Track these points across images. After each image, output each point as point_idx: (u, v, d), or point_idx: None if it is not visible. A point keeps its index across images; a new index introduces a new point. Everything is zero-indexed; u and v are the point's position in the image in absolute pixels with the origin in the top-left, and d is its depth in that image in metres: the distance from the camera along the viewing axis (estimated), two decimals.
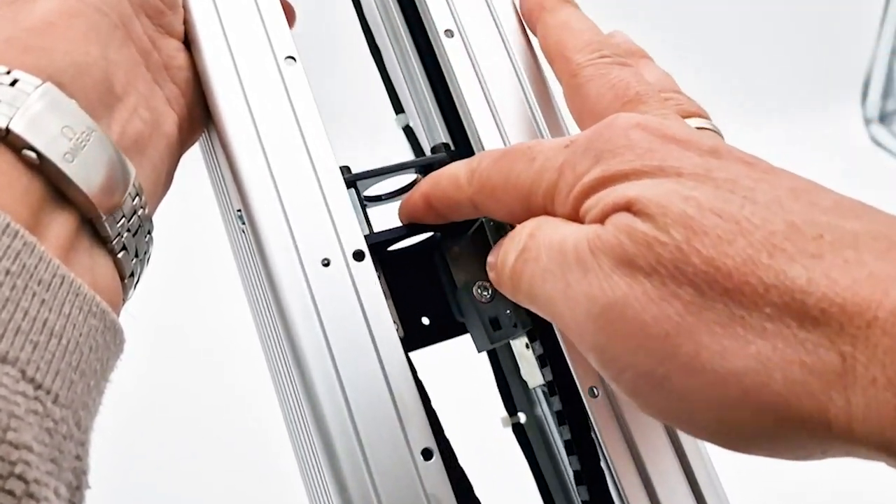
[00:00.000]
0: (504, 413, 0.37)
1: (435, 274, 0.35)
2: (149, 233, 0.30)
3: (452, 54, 0.37)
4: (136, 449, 0.91)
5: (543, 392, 0.36)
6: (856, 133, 1.47)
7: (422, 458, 0.29)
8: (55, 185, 0.26)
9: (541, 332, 0.33)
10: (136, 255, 0.30)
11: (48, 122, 0.26)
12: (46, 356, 0.23)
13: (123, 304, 0.30)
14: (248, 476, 0.90)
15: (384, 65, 0.41)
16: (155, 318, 0.95)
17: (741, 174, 0.25)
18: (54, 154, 0.26)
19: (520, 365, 0.36)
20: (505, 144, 0.35)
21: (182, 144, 0.34)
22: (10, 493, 0.20)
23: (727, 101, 1.40)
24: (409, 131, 0.40)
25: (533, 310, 0.28)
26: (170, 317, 0.99)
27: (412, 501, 0.29)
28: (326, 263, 0.31)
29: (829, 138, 1.43)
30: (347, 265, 0.31)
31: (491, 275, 0.31)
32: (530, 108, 0.37)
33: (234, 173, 0.32)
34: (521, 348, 0.35)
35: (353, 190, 0.33)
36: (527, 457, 0.37)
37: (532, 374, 0.35)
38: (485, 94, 0.36)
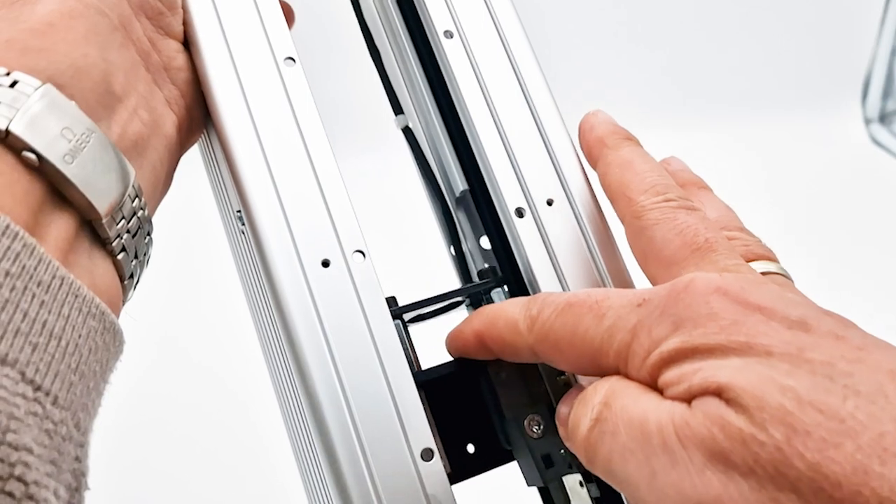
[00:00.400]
0: None
1: (480, 398, 0.33)
2: (148, 234, 0.30)
3: (452, 55, 0.36)
4: (135, 450, 0.91)
5: None
6: (856, 133, 1.47)
7: (422, 458, 0.29)
8: (55, 187, 0.26)
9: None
10: (136, 257, 0.30)
11: (48, 123, 0.26)
12: (46, 358, 0.23)
13: (123, 306, 0.30)
14: (247, 478, 0.90)
15: (383, 65, 0.41)
16: (154, 319, 0.95)
17: (836, 354, 0.23)
18: (54, 155, 0.26)
19: (571, 499, 0.34)
20: (504, 144, 0.35)
21: (181, 145, 0.34)
22: (10, 494, 0.20)
23: (727, 101, 1.40)
24: (408, 132, 0.40)
25: (609, 483, 0.26)
26: (169, 318, 0.99)
27: (413, 502, 0.29)
28: (326, 264, 0.31)
29: (829, 138, 1.43)
30: (347, 265, 0.31)
31: (561, 431, 0.30)
32: (530, 108, 0.37)
33: (233, 174, 0.32)
34: (575, 484, 0.33)
35: (398, 322, 0.32)
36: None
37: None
38: (484, 94, 0.36)
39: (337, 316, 0.30)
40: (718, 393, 0.23)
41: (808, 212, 1.27)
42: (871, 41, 1.50)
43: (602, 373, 0.27)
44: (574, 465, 0.31)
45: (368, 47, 0.41)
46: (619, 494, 0.32)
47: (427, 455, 0.29)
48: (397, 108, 0.40)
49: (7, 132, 0.25)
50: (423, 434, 0.29)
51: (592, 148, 0.35)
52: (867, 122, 1.49)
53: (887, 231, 1.26)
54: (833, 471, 0.21)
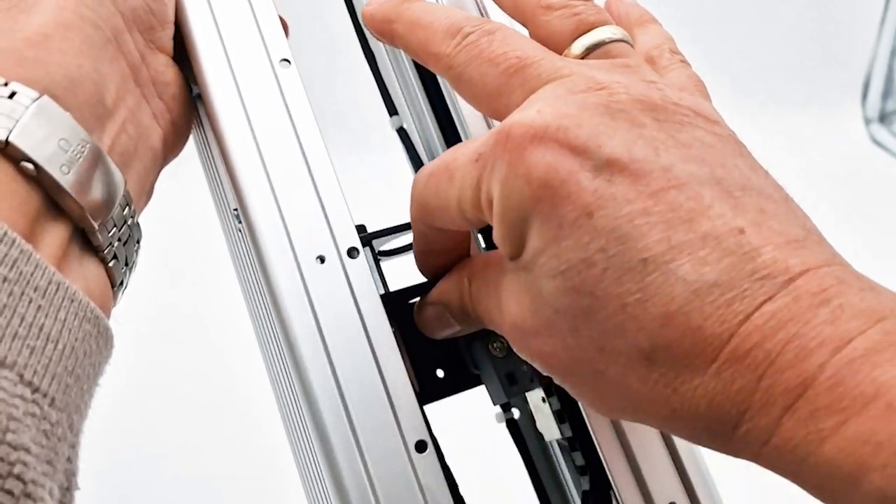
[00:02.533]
0: (498, 409, 0.38)
1: (454, 345, 0.35)
2: (137, 241, 0.31)
3: None
4: (130, 445, 0.91)
5: (560, 445, 0.36)
6: (856, 133, 1.47)
7: (416, 450, 0.30)
8: (51, 196, 0.27)
9: (558, 387, 0.33)
10: (126, 264, 0.30)
11: (45, 134, 0.26)
12: (43, 360, 0.23)
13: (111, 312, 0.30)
14: (244, 471, 0.91)
15: (378, 67, 0.41)
16: (156, 315, 0.96)
17: (622, 213, 0.24)
18: (51, 166, 0.26)
19: (535, 418, 0.36)
20: None
21: (165, 158, 0.35)
22: (9, 492, 0.21)
23: (727, 101, 1.40)
24: (402, 133, 0.41)
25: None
26: (167, 317, 0.99)
27: (407, 493, 0.29)
28: (321, 260, 0.31)
29: (829, 138, 1.43)
30: (342, 262, 0.32)
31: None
32: None
33: (230, 173, 0.32)
34: (538, 401, 0.35)
35: (368, 248, 0.33)
36: (521, 452, 0.37)
37: (548, 427, 0.35)
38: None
39: (332, 311, 0.31)
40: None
41: (808, 212, 1.27)
42: (871, 41, 1.50)
43: (472, 226, 0.29)
44: (536, 379, 0.33)
45: (363, 48, 0.41)
46: (578, 404, 0.33)
47: (421, 447, 0.30)
48: (392, 109, 0.41)
49: (6, 143, 0.26)
50: (416, 426, 0.30)
51: (383, 30, 0.33)
52: (867, 122, 1.49)
53: (887, 231, 1.26)
54: None
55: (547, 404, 0.34)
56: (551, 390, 0.34)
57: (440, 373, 0.34)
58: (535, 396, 0.35)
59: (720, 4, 1.45)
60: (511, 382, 0.33)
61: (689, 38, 1.40)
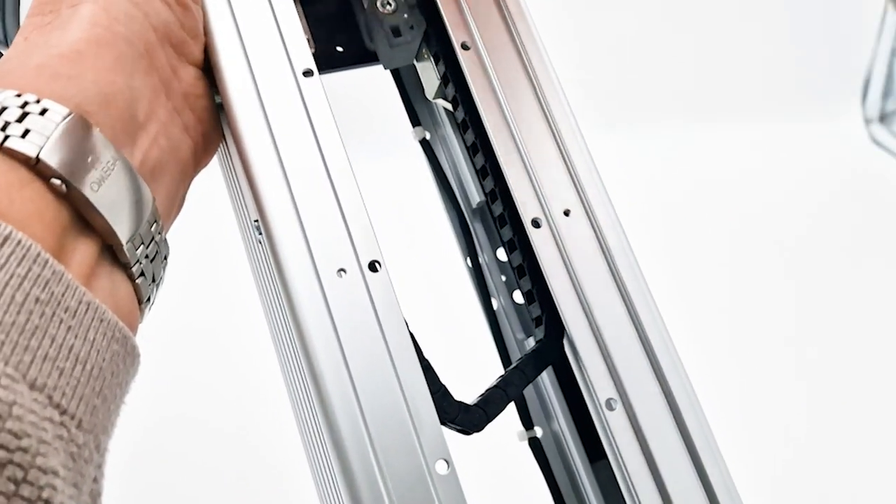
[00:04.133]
0: (521, 427, 0.38)
1: (348, 7, 0.39)
2: (165, 257, 0.31)
3: (468, 66, 0.37)
4: (149, 470, 0.91)
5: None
6: (856, 133, 1.47)
7: (437, 469, 0.29)
8: (80, 213, 0.27)
9: (436, 35, 0.37)
10: (153, 280, 0.30)
11: (76, 151, 0.26)
12: (72, 382, 0.23)
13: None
14: (262, 488, 0.91)
15: (402, 77, 0.41)
16: (174, 326, 0.95)
17: None
18: (81, 183, 0.26)
19: (425, 85, 0.39)
20: (521, 155, 0.36)
21: (195, 169, 0.35)
22: None
23: (727, 101, 1.40)
24: (425, 144, 0.40)
25: None
26: (188, 326, 0.99)
27: None
28: (342, 273, 0.31)
29: (829, 138, 1.43)
30: (363, 275, 0.31)
31: None
32: (547, 117, 0.37)
33: (251, 184, 0.32)
34: (421, 63, 0.39)
35: None
36: (543, 471, 0.37)
37: (430, 80, 0.39)
38: (501, 104, 0.36)
39: (352, 325, 0.30)
40: None
41: (808, 212, 1.28)
42: (871, 41, 1.51)
43: None
44: (416, 26, 0.38)
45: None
46: (450, 41, 0.37)
47: (442, 467, 0.29)
48: (415, 120, 0.41)
49: (37, 160, 0.26)
50: (437, 444, 0.29)
51: None
52: (867, 122, 1.50)
53: (887, 231, 1.26)
54: None
55: (427, 55, 0.38)
56: (429, 35, 0.37)
57: (340, 49, 0.39)
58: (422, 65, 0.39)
59: (720, 4, 1.45)
60: (396, 35, 0.37)
61: (693, 38, 1.40)
